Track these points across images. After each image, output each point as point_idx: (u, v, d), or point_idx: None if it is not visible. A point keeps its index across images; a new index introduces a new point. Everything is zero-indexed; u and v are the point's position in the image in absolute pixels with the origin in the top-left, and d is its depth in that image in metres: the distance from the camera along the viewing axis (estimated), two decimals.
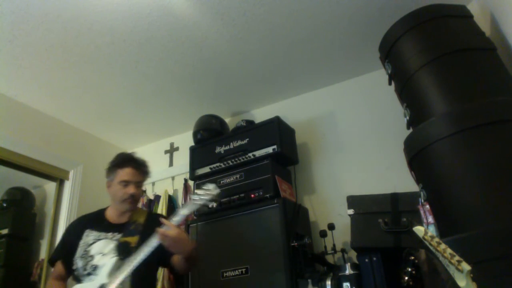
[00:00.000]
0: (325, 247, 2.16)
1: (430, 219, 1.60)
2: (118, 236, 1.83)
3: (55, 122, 3.08)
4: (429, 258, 1.34)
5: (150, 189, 3.27)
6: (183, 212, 1.70)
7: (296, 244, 2.06)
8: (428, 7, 1.85)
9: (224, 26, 2.28)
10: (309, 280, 1.95)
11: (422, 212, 1.65)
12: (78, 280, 1.80)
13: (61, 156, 3.03)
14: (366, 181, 2.47)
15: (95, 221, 1.93)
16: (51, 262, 1.96)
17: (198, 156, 2.79)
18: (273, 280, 2.04)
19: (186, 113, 3.14)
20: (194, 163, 2.77)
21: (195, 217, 2.57)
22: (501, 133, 1.46)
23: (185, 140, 3.24)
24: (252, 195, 2.36)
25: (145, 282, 1.80)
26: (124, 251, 1.74)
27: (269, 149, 2.45)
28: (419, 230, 1.03)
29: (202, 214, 2.52)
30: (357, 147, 2.65)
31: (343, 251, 2.16)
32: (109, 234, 1.84)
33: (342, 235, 2.30)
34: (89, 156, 3.26)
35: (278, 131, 2.49)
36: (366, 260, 1.89)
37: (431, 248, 0.99)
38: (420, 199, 1.69)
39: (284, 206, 2.19)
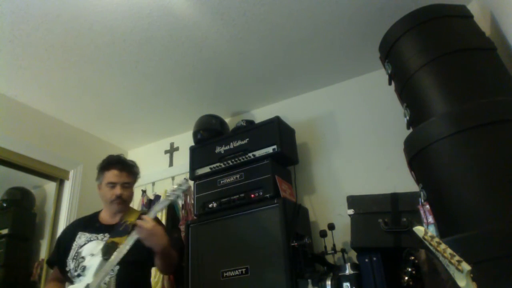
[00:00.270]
0: (325, 247, 2.16)
1: (430, 219, 1.60)
2: (108, 236, 1.86)
3: (55, 122, 3.08)
4: (429, 258, 1.34)
5: (150, 189, 3.27)
6: (157, 207, 1.84)
7: (296, 244, 2.06)
8: (428, 7, 1.85)
9: (224, 26, 2.28)
10: (309, 280, 1.95)
11: (422, 212, 1.65)
12: (70, 281, 1.83)
13: (61, 156, 3.03)
14: (366, 181, 2.46)
15: (88, 223, 1.98)
16: (49, 264, 2.03)
17: (198, 156, 2.79)
18: (273, 280, 2.04)
19: (186, 113, 3.14)
20: (194, 163, 2.77)
21: (195, 217, 2.58)
22: (501, 133, 1.46)
23: (185, 140, 3.24)
24: (252, 195, 2.36)
25: (132, 282, 1.82)
26: (109, 252, 1.76)
27: (269, 149, 2.45)
28: (419, 230, 1.03)
29: (202, 214, 2.52)
30: (357, 147, 2.65)
31: (343, 251, 2.16)
32: (100, 235, 1.87)
33: (342, 235, 2.30)
34: (89, 156, 3.26)
35: (278, 131, 2.49)
36: (366, 260, 1.89)
37: (431, 248, 0.99)
38: (420, 199, 1.69)
39: (284, 206, 2.19)
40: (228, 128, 2.95)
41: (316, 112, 2.91)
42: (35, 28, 2.20)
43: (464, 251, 0.98)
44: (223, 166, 2.59)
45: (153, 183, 3.30)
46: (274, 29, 2.34)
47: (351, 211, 2.05)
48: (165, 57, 2.51)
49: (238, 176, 2.49)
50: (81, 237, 1.89)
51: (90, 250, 1.82)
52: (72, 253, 1.85)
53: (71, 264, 1.82)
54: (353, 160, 2.63)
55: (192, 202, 2.78)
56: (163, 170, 3.36)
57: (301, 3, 2.16)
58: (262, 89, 2.95)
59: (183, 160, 3.22)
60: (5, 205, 3.46)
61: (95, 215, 2.03)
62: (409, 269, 1.39)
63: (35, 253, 3.29)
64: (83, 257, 1.80)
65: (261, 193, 2.33)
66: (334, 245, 2.16)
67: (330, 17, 2.27)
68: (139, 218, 1.88)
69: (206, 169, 2.67)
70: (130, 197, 2.01)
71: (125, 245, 1.70)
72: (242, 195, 2.40)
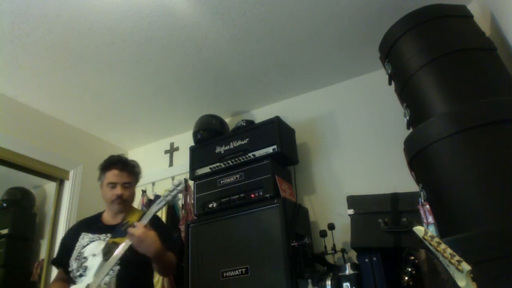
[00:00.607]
0: (325, 247, 2.16)
1: (430, 219, 1.60)
2: (109, 237, 1.86)
3: (55, 122, 3.08)
4: (429, 258, 1.34)
5: (150, 189, 3.27)
6: (154, 209, 1.80)
7: (296, 244, 2.06)
8: (428, 7, 1.85)
9: (224, 26, 2.28)
10: (309, 280, 1.95)
11: (422, 212, 1.65)
12: (73, 281, 1.83)
13: (61, 156, 3.03)
14: (366, 181, 2.47)
15: (91, 223, 1.98)
16: (55, 264, 2.03)
17: (198, 156, 2.79)
18: (273, 280, 2.04)
19: (186, 113, 3.14)
20: (194, 163, 2.77)
21: (195, 217, 2.58)
22: (501, 133, 1.46)
23: (185, 140, 3.24)
24: (252, 195, 2.36)
25: (132, 282, 1.82)
26: (110, 252, 1.76)
27: (269, 149, 2.45)
28: (419, 230, 1.03)
29: (202, 214, 2.52)
30: (357, 147, 2.65)
31: (343, 251, 2.16)
32: (102, 236, 1.88)
33: (342, 235, 2.30)
34: (89, 156, 3.26)
35: (278, 131, 2.49)
36: (366, 260, 1.89)
37: (431, 248, 0.99)
38: (420, 199, 1.69)
39: (284, 206, 2.19)
40: (228, 128, 2.95)
41: (316, 112, 2.91)
42: (35, 28, 2.20)
43: (464, 251, 0.98)
44: (223, 166, 2.59)
45: (153, 183, 3.30)
46: (274, 29, 2.34)
47: (351, 211, 2.05)
48: (165, 57, 2.51)
49: (238, 176, 2.49)
50: (84, 238, 1.90)
51: (92, 250, 1.82)
52: (75, 253, 1.86)
53: (73, 265, 1.82)
54: (353, 160, 2.63)
55: (192, 202, 2.78)
56: (163, 170, 3.36)
57: (301, 3, 2.16)
58: (262, 89, 2.95)
59: (183, 160, 3.22)
60: (5, 205, 3.47)
61: (98, 215, 2.04)
62: (409, 269, 1.38)
63: (35, 253, 3.29)
64: (85, 258, 1.81)
65: (261, 193, 2.33)
66: (334, 245, 2.16)
67: (330, 17, 2.27)
68: (150, 221, 1.88)
69: (206, 169, 2.67)
70: (131, 197, 2.01)
71: (121, 247, 1.71)
72: (242, 195, 2.40)
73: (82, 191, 3.10)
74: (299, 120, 2.89)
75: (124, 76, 2.66)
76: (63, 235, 2.10)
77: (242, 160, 2.52)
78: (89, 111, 3.06)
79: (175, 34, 2.31)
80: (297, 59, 2.63)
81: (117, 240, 1.81)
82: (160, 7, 2.11)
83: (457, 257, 0.93)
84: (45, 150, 2.92)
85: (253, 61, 2.62)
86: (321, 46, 2.53)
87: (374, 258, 1.87)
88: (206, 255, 2.34)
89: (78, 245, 1.88)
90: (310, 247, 2.25)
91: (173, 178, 3.27)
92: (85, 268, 1.78)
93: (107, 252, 1.77)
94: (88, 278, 1.73)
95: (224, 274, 2.21)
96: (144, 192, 3.22)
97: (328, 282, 1.90)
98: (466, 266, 0.92)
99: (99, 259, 1.77)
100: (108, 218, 1.98)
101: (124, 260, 1.71)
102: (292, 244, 2.07)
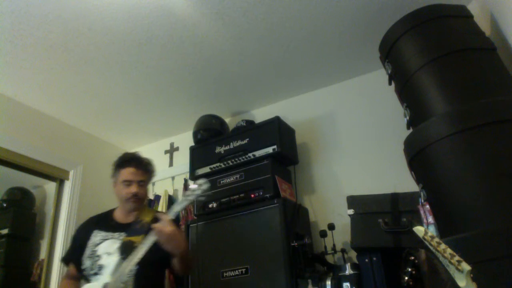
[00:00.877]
0: (325, 247, 2.16)
1: (430, 219, 1.60)
2: (124, 235, 1.84)
3: (55, 122, 3.08)
4: (429, 258, 1.33)
5: (150, 189, 3.27)
6: (176, 208, 1.74)
7: (296, 244, 2.06)
8: (428, 7, 1.85)
9: (224, 26, 2.28)
10: (309, 280, 1.95)
11: (422, 212, 1.65)
12: (86, 279, 1.82)
13: (61, 156, 3.03)
14: (366, 181, 2.46)
15: (103, 221, 1.96)
16: (65, 262, 2.01)
17: (198, 156, 2.79)
18: (273, 280, 2.04)
19: (186, 113, 3.14)
20: (194, 163, 2.77)
21: (195, 217, 2.58)
22: (501, 133, 1.46)
23: (185, 140, 3.24)
24: (252, 195, 2.36)
25: (149, 282, 1.80)
26: (126, 251, 1.74)
27: (269, 149, 2.45)
28: (419, 230, 1.03)
29: (202, 214, 2.52)
30: (357, 147, 2.65)
31: (343, 251, 2.16)
32: (116, 234, 1.85)
33: (342, 235, 2.30)
34: (89, 156, 3.26)
35: (278, 131, 2.49)
36: (366, 260, 1.89)
37: (431, 248, 0.99)
38: (420, 199, 1.69)
39: (284, 206, 2.19)
40: (228, 128, 2.95)
41: (316, 112, 2.91)
42: (35, 28, 2.20)
43: (464, 251, 0.98)
44: (223, 166, 2.59)
45: (153, 183, 3.30)
46: (274, 29, 2.34)
47: (351, 211, 2.05)
48: (165, 57, 2.51)
49: (238, 176, 2.49)
50: (97, 236, 1.87)
51: (106, 248, 1.80)
52: (87, 251, 1.83)
53: (87, 263, 1.81)
54: (353, 160, 2.63)
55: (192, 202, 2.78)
56: (163, 170, 3.36)
57: (301, 3, 2.16)
58: (262, 89, 2.95)
59: (183, 160, 3.22)
60: (5, 205, 3.47)
61: (110, 213, 2.01)
62: (409, 269, 1.38)
63: (35, 253, 3.29)
64: (99, 256, 1.79)
65: (261, 193, 2.33)
66: (334, 245, 2.16)
67: (330, 17, 2.27)
68: (155, 217, 1.86)
69: (206, 169, 2.67)
70: (145, 195, 1.99)
71: (143, 246, 1.67)
72: (242, 195, 2.40)
73: (82, 191, 3.10)
74: (299, 120, 2.89)
75: (124, 76, 2.66)
76: (74, 232, 2.06)
77: (242, 160, 2.52)
78: (89, 111, 3.06)
79: (175, 34, 2.31)
80: (297, 59, 2.63)
81: (132, 238, 1.79)
82: (160, 7, 2.11)
83: (457, 257, 0.93)
84: (45, 150, 2.92)
85: (253, 61, 2.62)
86: (321, 46, 2.53)
87: (374, 258, 1.87)
88: (206, 255, 2.34)
89: (90, 243, 1.85)
90: (310, 247, 2.25)
91: (173, 178, 3.28)
92: (100, 267, 1.76)
93: (124, 251, 1.74)
94: (104, 277, 1.71)
95: (224, 274, 2.21)
96: None
97: (328, 282, 1.90)
98: (466, 266, 0.92)
99: (115, 257, 1.74)
100: (120, 216, 1.96)
101: (142, 260, 1.68)
102: (292, 244, 2.07)
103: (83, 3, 2.06)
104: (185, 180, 3.05)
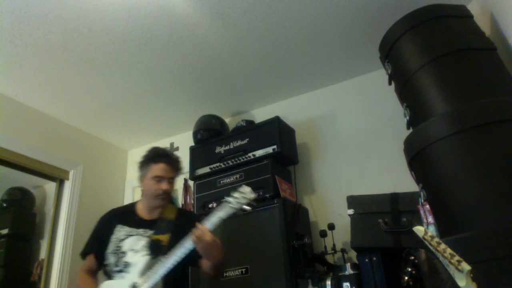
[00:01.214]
0: (325, 247, 2.16)
1: (430, 219, 1.60)
2: (149, 232, 1.80)
3: (55, 122, 3.08)
4: (429, 258, 1.34)
5: None
6: (219, 215, 1.62)
7: (296, 244, 2.06)
8: (428, 7, 1.85)
9: (224, 26, 2.28)
10: (309, 280, 1.95)
11: (422, 212, 1.65)
12: (108, 276, 1.78)
13: (61, 156, 3.03)
14: (366, 181, 2.47)
15: (126, 216, 1.89)
16: (83, 255, 1.91)
17: (198, 156, 2.79)
18: (273, 280, 2.04)
19: (186, 113, 3.14)
20: (194, 163, 2.77)
21: None
22: (501, 133, 1.46)
23: (185, 140, 3.24)
24: None
25: (176, 283, 1.77)
26: (156, 250, 1.72)
27: (269, 149, 2.45)
28: (419, 230, 1.03)
29: (202, 214, 2.51)
30: (357, 147, 2.65)
31: (343, 251, 2.16)
32: (140, 230, 1.81)
33: (342, 235, 2.30)
34: (89, 156, 3.26)
35: (278, 131, 2.49)
36: (366, 260, 1.89)
37: (431, 248, 0.99)
38: (420, 199, 1.69)
39: (284, 206, 2.19)
40: (228, 128, 2.95)
41: (316, 112, 2.91)
42: (35, 28, 2.20)
43: (464, 251, 0.98)
44: (223, 166, 2.59)
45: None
46: (274, 29, 2.34)
47: (351, 211, 2.05)
48: (165, 57, 2.51)
49: (238, 176, 2.49)
50: (120, 231, 1.82)
51: (131, 245, 1.76)
52: (112, 246, 1.78)
53: (111, 258, 1.76)
54: (353, 160, 2.63)
55: (192, 202, 2.78)
56: None
57: (301, 3, 2.16)
58: (262, 89, 2.95)
59: (183, 160, 3.21)
60: (5, 205, 3.46)
61: (131, 207, 1.95)
62: (409, 269, 1.38)
63: (35, 253, 3.29)
64: (124, 252, 1.74)
65: (261, 193, 2.33)
66: (334, 245, 2.16)
67: (330, 17, 2.27)
68: (178, 215, 1.84)
69: (206, 169, 2.67)
70: (172, 193, 1.95)
71: (180, 250, 1.61)
72: None
73: (82, 191, 3.10)
74: (299, 120, 2.89)
75: (124, 76, 2.66)
76: (96, 224, 1.95)
77: (242, 160, 2.52)
78: (89, 111, 3.06)
79: (175, 34, 2.31)
80: (297, 59, 2.63)
81: (159, 237, 1.77)
82: (160, 7, 2.11)
83: (457, 257, 0.93)
84: (45, 150, 2.92)
85: (253, 61, 2.62)
86: (321, 46, 2.53)
87: (374, 258, 1.87)
88: None
89: (114, 238, 1.80)
90: (310, 247, 2.25)
91: None
92: (127, 265, 1.71)
93: (154, 250, 1.71)
94: (132, 275, 1.67)
95: (224, 274, 2.20)
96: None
97: (328, 282, 1.90)
98: (466, 266, 0.92)
99: (143, 256, 1.70)
100: (143, 211, 1.89)
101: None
102: (292, 244, 2.07)
103: (83, 3, 2.06)
104: (185, 180, 3.05)
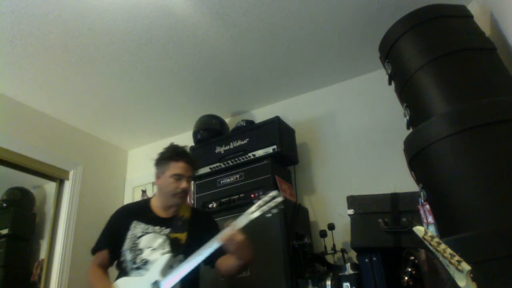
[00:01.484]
0: (325, 247, 2.16)
1: (430, 219, 1.60)
2: (166, 230, 1.79)
3: (55, 122, 3.08)
4: (429, 258, 1.33)
5: (150, 189, 3.27)
6: (250, 217, 1.62)
7: (296, 244, 2.06)
8: (428, 7, 1.85)
9: (224, 26, 2.28)
10: (309, 280, 1.95)
11: (422, 212, 1.65)
12: (124, 272, 1.76)
13: (61, 156, 3.03)
14: (366, 181, 2.47)
15: (142, 212, 1.87)
16: (95, 250, 1.86)
17: (198, 156, 2.78)
18: (273, 280, 2.04)
19: (186, 113, 3.14)
20: None
21: None
22: (501, 133, 1.46)
23: (185, 140, 3.23)
24: (252, 195, 2.35)
25: (192, 281, 1.77)
26: (175, 248, 1.72)
27: (269, 149, 2.45)
28: (419, 230, 1.03)
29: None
30: (357, 147, 2.65)
31: (343, 251, 2.16)
32: (157, 228, 1.80)
33: (342, 235, 2.30)
34: (89, 156, 3.26)
35: (278, 131, 2.49)
36: (366, 260, 1.89)
37: (431, 248, 0.99)
38: (420, 199, 1.69)
39: (284, 206, 2.19)
40: (228, 128, 2.95)
41: (316, 112, 2.91)
42: (35, 28, 2.20)
43: (464, 251, 0.98)
44: (223, 166, 2.59)
45: (153, 183, 3.30)
46: (274, 29, 2.34)
47: (351, 211, 2.04)
48: (165, 57, 2.51)
49: (238, 176, 2.49)
50: (136, 227, 1.80)
51: (148, 242, 1.74)
52: (128, 243, 1.77)
53: (127, 255, 1.75)
54: (353, 160, 2.63)
55: (192, 202, 2.78)
56: None
57: (301, 3, 2.16)
58: (262, 89, 2.95)
59: None
60: (5, 205, 3.46)
61: (146, 203, 1.93)
62: (409, 269, 1.38)
63: (35, 253, 3.29)
64: (141, 250, 1.74)
65: (261, 193, 2.32)
66: (334, 245, 2.17)
67: (330, 17, 2.27)
68: (193, 213, 1.83)
69: (206, 169, 2.67)
70: (189, 191, 1.94)
71: (206, 250, 1.61)
72: (242, 195, 2.40)
73: (82, 191, 3.10)
74: (299, 120, 2.89)
75: (124, 76, 2.66)
76: (108, 221, 1.92)
77: (242, 160, 2.52)
78: (89, 111, 3.06)
79: (175, 34, 2.31)
80: (297, 59, 2.63)
81: (178, 235, 1.76)
82: (160, 7, 2.11)
83: (457, 257, 0.93)
84: (45, 150, 2.92)
85: (253, 61, 2.62)
86: (321, 46, 2.53)
87: (374, 258, 1.87)
88: None
89: (130, 234, 1.78)
90: (310, 247, 2.25)
91: None
92: (145, 262, 1.70)
93: (174, 249, 1.71)
94: (152, 273, 1.66)
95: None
96: (144, 192, 3.22)
97: (328, 282, 1.90)
98: (466, 266, 0.92)
99: (159, 254, 1.70)
100: (158, 209, 1.87)
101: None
102: (292, 244, 2.07)
103: (83, 3, 2.06)
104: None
